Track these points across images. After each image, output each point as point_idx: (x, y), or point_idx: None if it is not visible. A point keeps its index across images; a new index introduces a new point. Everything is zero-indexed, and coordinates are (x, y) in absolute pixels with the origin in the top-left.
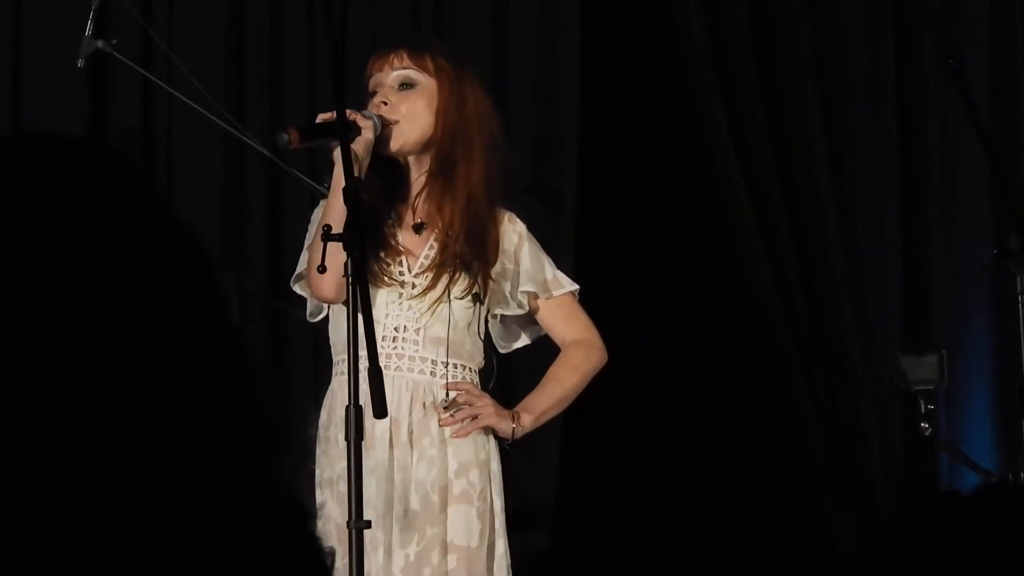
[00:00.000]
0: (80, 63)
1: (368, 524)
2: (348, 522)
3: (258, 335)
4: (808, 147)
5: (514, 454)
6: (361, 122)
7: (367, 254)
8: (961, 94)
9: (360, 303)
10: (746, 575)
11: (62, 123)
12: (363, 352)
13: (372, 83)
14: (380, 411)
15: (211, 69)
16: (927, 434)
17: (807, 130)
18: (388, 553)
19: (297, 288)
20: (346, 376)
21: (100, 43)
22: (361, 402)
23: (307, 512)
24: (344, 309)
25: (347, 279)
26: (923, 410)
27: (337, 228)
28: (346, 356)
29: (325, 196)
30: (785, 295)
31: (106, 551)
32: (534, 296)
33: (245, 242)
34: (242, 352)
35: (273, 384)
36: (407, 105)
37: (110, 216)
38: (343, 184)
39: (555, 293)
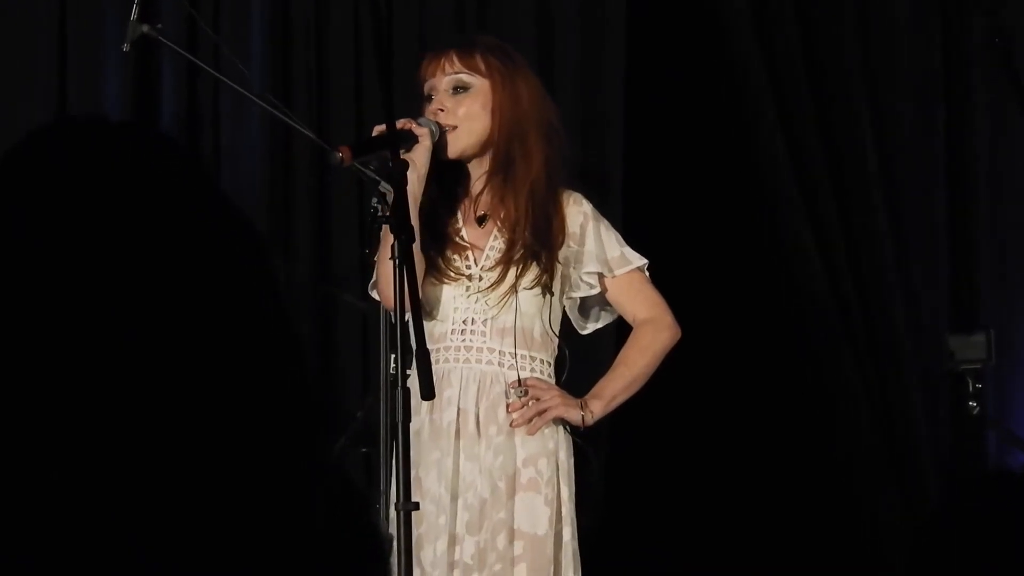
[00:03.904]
0: (126, 47)
1: (416, 506)
2: (396, 504)
3: (305, 320)
4: (856, 130)
5: (588, 449)
6: (417, 130)
7: (413, 236)
8: (1007, 73)
9: (408, 284)
10: (795, 559)
11: (108, 108)
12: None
13: (426, 88)
14: (427, 392)
15: (257, 53)
16: (975, 413)
17: (854, 114)
18: (452, 542)
19: (373, 294)
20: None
21: (146, 28)
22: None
23: (365, 498)
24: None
25: (394, 261)
26: (971, 389)
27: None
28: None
29: (373, 181)
30: (833, 279)
31: (162, 525)
32: (601, 276)
33: (291, 227)
34: (292, 333)
35: (322, 369)
36: (464, 109)
37: (162, 198)
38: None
39: (621, 271)
